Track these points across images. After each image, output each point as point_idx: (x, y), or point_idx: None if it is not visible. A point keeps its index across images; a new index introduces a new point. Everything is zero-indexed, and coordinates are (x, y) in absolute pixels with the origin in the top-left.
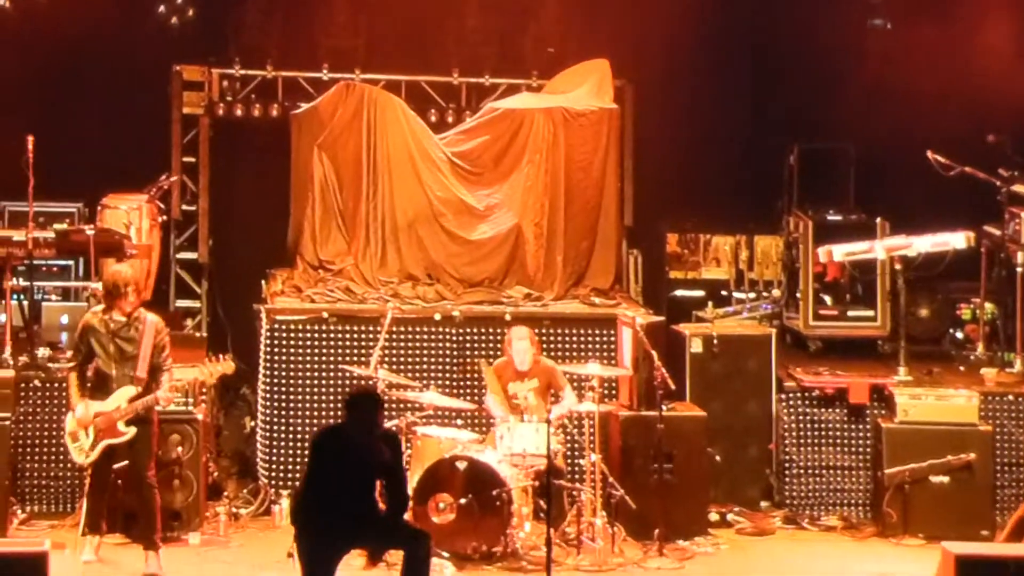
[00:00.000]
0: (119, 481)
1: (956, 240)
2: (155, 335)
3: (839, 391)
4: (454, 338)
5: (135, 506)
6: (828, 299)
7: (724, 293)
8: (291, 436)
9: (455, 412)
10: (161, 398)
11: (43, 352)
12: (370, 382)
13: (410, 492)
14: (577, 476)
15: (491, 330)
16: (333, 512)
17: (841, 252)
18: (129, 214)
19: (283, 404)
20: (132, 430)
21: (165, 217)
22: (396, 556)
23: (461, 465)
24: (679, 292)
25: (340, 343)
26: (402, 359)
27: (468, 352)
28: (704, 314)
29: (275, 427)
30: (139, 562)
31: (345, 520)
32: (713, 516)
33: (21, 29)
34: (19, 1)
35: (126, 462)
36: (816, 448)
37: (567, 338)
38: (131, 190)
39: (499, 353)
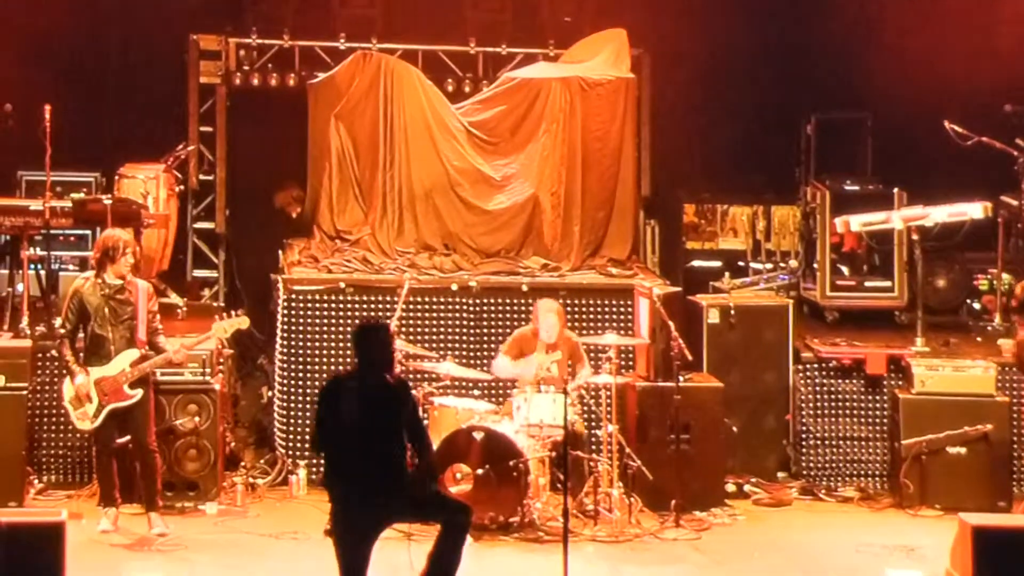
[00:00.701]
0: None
1: (973, 210)
2: (148, 299)
3: (856, 362)
4: (471, 309)
5: (141, 477)
6: (845, 269)
7: (741, 263)
8: (308, 406)
9: (472, 382)
10: (174, 356)
11: (60, 322)
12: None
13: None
14: (594, 447)
15: (508, 300)
16: (363, 477)
17: (858, 222)
18: (146, 183)
19: (300, 374)
20: (139, 392)
21: (182, 187)
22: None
23: (478, 435)
24: (696, 262)
25: (357, 313)
26: (419, 329)
27: (485, 322)
28: (721, 284)
29: (292, 397)
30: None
31: (378, 484)
32: (730, 487)
33: None
34: None
35: (129, 436)
36: (833, 419)
37: (584, 309)
38: (148, 160)
39: (516, 323)
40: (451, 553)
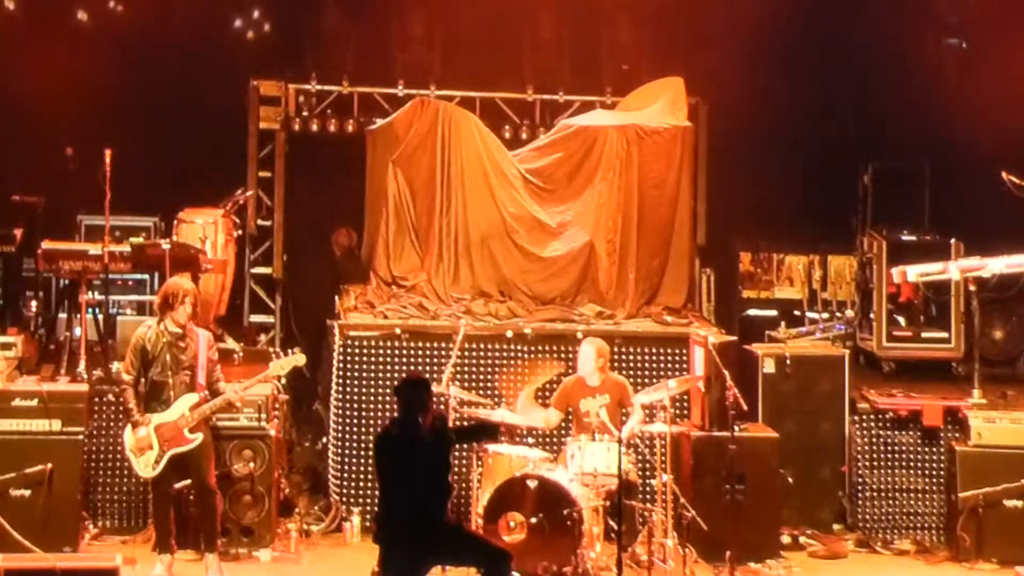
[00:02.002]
0: (191, 496)
1: None
2: (208, 347)
3: (913, 413)
4: (526, 355)
5: (200, 517)
6: (902, 320)
7: (797, 313)
8: (363, 452)
9: (526, 430)
10: (233, 398)
11: (117, 367)
12: (441, 399)
13: (480, 510)
14: (648, 496)
15: (563, 348)
16: (411, 521)
17: (915, 273)
18: (205, 228)
19: (355, 420)
20: (199, 436)
21: (240, 232)
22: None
23: (532, 483)
24: (752, 311)
25: (412, 359)
26: (474, 376)
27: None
28: (777, 334)
29: (347, 443)
30: None
31: (424, 527)
32: (785, 538)
33: (99, 43)
34: (97, 15)
35: (189, 480)
36: (889, 470)
37: (639, 357)
38: (207, 204)
39: (570, 371)
40: None
